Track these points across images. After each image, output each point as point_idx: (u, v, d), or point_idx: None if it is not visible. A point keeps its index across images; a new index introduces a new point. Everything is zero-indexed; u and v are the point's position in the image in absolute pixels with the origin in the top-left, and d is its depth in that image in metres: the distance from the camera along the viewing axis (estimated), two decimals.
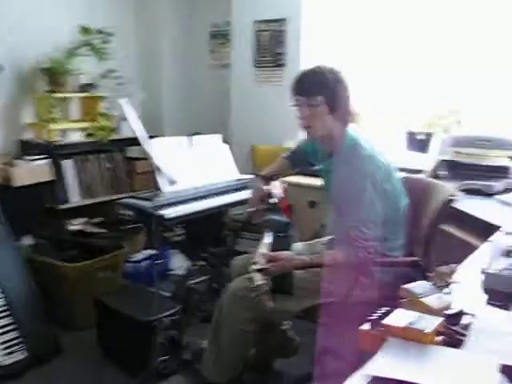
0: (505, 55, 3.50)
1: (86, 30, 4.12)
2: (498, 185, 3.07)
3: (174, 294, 3.30)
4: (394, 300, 2.32)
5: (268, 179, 2.61)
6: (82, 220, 3.78)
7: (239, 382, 2.56)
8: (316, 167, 2.67)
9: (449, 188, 2.45)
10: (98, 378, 2.82)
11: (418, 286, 1.27)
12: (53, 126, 3.91)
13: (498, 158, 3.21)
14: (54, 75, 4.00)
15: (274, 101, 4.19)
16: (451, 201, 2.38)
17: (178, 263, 4.06)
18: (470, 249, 2.61)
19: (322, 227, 2.74)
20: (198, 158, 3.29)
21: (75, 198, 4.02)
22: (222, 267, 3.60)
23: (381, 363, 1.02)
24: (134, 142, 4.44)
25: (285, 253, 2.18)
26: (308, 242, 2.64)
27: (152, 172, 4.48)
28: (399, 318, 1.13)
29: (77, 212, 3.97)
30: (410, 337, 1.07)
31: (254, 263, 1.99)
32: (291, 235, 2.32)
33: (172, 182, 2.31)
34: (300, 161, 2.69)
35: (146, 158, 4.53)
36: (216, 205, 3.04)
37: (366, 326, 1.14)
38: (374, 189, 2.15)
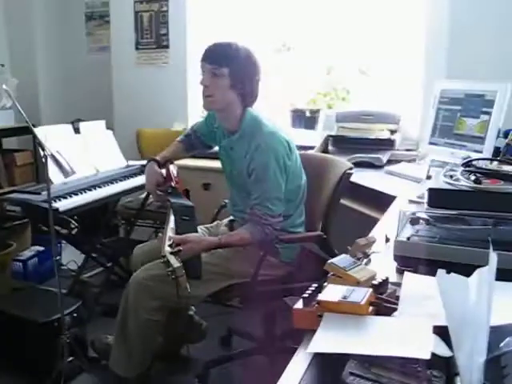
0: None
1: None
2: (384, 157, 3.22)
3: (70, 291, 3.14)
4: (302, 276, 2.40)
5: (163, 164, 2.54)
6: None
7: (148, 374, 2.51)
8: (213, 149, 2.65)
9: (345, 162, 2.53)
10: None
11: (341, 260, 1.29)
12: None
13: (381, 132, 3.37)
14: None
15: (159, 83, 4.09)
16: (349, 175, 2.46)
17: (69, 257, 3.89)
18: (368, 220, 2.73)
19: (222, 208, 2.73)
20: (85, 146, 3.14)
21: None
22: (119, 257, 3.49)
23: (322, 339, 1.03)
24: (11, 132, 4.21)
25: (192, 235, 2.14)
26: (209, 225, 2.62)
27: (32, 164, 4.28)
28: (332, 293, 1.14)
29: None
30: (346, 310, 1.08)
31: (170, 246, 1.92)
32: (196, 219, 2.27)
33: (70, 172, 2.16)
34: (195, 144, 2.64)
35: (24, 149, 4.32)
36: (110, 193, 2.93)
37: (299, 305, 1.14)
38: (278, 165, 2.17)
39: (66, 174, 2.16)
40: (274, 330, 2.65)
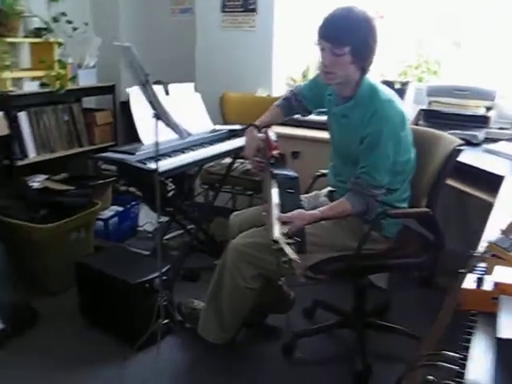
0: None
1: None
2: (480, 134, 3.08)
3: (153, 253, 3.14)
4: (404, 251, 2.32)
5: (262, 129, 2.47)
6: (42, 177, 3.49)
7: (234, 340, 2.50)
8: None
9: (453, 138, 2.41)
10: (83, 345, 2.65)
11: (501, 240, 1.21)
12: (5, 75, 3.56)
13: (477, 108, 3.22)
14: (2, 17, 3.62)
15: (244, 48, 4.00)
16: (458, 151, 2.35)
17: (145, 219, 3.91)
18: (470, 199, 2.63)
19: (317, 178, 2.66)
20: (175, 108, 3.09)
21: (32, 154, 3.74)
22: (202, 222, 3.48)
23: (509, 324, 0.95)
24: (92, 91, 4.22)
25: (297, 212, 2.03)
26: (308, 195, 2.56)
27: (111, 124, 4.29)
28: (505, 274, 1.07)
29: (34, 168, 3.68)
30: None
31: (284, 234, 1.81)
32: (300, 191, 2.19)
33: (185, 134, 2.11)
34: (294, 107, 2.55)
35: (104, 108, 4.34)
36: (203, 157, 2.87)
37: (470, 285, 1.07)
38: (391, 134, 2.09)
39: (181, 135, 2.11)
40: (364, 305, 2.60)
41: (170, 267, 2.76)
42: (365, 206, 2.12)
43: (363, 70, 2.15)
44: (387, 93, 2.16)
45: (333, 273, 2.30)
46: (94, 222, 3.31)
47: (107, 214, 3.65)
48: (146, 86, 2.13)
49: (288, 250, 1.69)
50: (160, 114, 2.07)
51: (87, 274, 2.79)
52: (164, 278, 2.59)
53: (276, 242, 1.75)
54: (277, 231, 1.82)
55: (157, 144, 2.14)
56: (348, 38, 2.02)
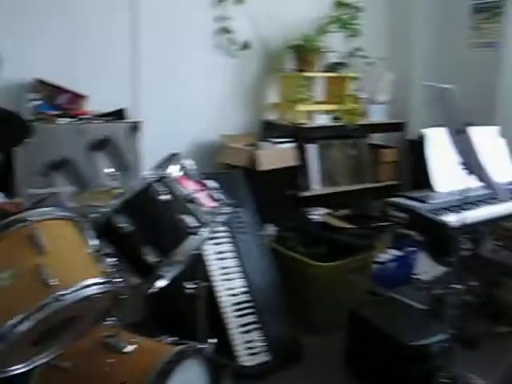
0: None
1: (340, 4, 3.80)
2: None
3: (434, 312, 2.84)
4: None
5: None
6: (323, 211, 3.47)
7: None
8: None
9: None
10: None
11: None
12: (299, 108, 3.65)
13: None
14: (302, 53, 3.72)
15: None
16: None
17: (423, 267, 3.61)
18: None
19: None
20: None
21: (316, 186, 3.75)
22: (490, 282, 3.07)
23: None
24: (381, 128, 4.10)
25: None
26: None
27: (396, 162, 4.11)
28: None
29: (316, 201, 3.69)
30: None
31: None
32: None
33: (497, 187, 1.82)
34: None
35: (391, 146, 4.18)
36: (501, 213, 2.50)
37: None
38: None
39: (495, 191, 1.81)
40: None
41: (455, 333, 2.43)
42: None
43: None
44: None
45: None
46: (370, 266, 3.14)
47: (384, 257, 3.45)
48: (459, 134, 1.87)
49: None
50: (472, 168, 1.79)
51: (358, 323, 2.63)
52: (444, 344, 2.28)
53: None
54: None
55: (458, 194, 1.87)
56: None
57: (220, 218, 1.82)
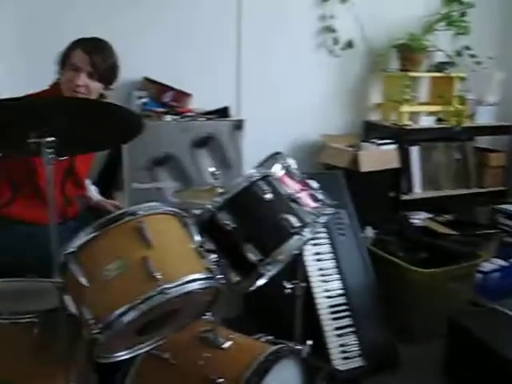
0: None
1: (450, 1, 3.65)
2: None
3: None
4: None
5: None
6: (424, 215, 3.36)
7: None
8: None
9: None
10: None
11: None
12: (403, 108, 3.55)
13: None
14: (408, 52, 3.61)
15: None
16: None
17: None
18: None
19: None
20: None
21: (418, 189, 3.64)
22: None
23: None
24: (488, 130, 3.91)
25: None
26: None
27: (503, 167, 3.90)
28: None
29: (418, 204, 3.59)
30: None
31: None
32: None
33: None
34: None
35: (498, 150, 3.98)
36: None
37: None
38: None
39: None
40: None
41: None
42: None
43: None
44: None
45: None
46: (473, 275, 3.00)
47: (488, 266, 3.29)
48: None
49: None
50: None
51: (459, 333, 2.53)
52: None
53: None
54: None
55: None
56: None
57: (322, 219, 1.79)
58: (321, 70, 3.63)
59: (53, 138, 1.48)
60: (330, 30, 3.56)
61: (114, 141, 1.93)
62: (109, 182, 2.96)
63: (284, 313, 2.25)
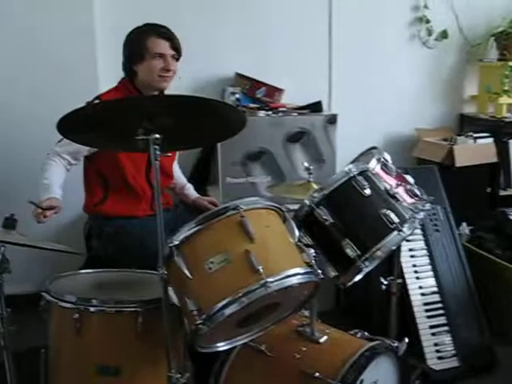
0: None
1: None
2: None
3: None
4: None
5: None
6: None
7: None
8: None
9: None
10: None
11: None
12: (502, 100, 3.41)
13: None
14: (508, 40, 3.46)
15: None
16: None
17: None
18: None
19: None
20: None
21: None
22: None
23: None
24: None
25: None
26: None
27: None
28: None
29: None
30: None
31: None
32: None
33: None
34: None
35: None
36: None
37: None
38: None
39: None
40: None
41: None
42: None
43: None
44: None
45: None
46: None
47: None
48: None
49: None
50: None
51: None
52: None
53: None
54: None
55: None
56: None
57: (420, 215, 1.76)
58: (414, 62, 3.56)
59: (159, 135, 1.53)
60: (423, 20, 3.47)
61: (217, 137, 1.97)
62: (202, 176, 3.04)
63: (376, 309, 2.22)
